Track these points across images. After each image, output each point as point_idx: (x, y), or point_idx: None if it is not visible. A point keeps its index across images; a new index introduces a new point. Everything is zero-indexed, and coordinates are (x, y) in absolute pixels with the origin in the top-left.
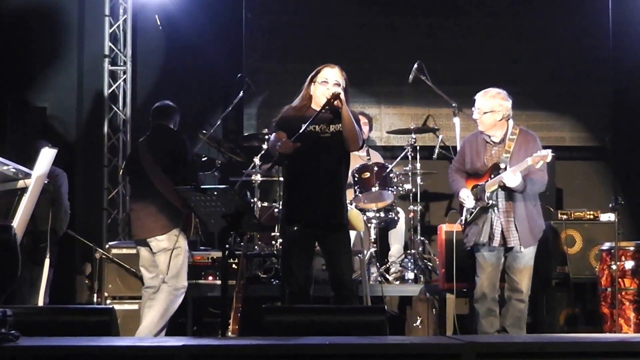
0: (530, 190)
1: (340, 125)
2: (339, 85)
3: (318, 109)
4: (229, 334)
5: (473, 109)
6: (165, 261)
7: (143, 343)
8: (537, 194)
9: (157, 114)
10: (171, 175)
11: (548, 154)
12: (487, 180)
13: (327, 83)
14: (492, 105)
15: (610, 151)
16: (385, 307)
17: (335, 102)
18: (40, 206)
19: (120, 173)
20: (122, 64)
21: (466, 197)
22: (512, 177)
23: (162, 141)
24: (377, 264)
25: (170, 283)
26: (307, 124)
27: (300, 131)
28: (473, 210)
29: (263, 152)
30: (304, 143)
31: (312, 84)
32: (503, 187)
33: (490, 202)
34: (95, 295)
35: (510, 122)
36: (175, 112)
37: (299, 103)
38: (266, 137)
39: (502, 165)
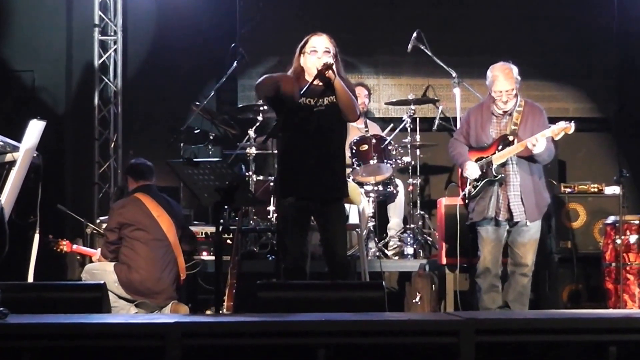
0: (547, 157)
1: (334, 97)
2: (328, 52)
3: (310, 80)
4: (224, 310)
5: (492, 89)
6: None
7: (135, 320)
8: (542, 165)
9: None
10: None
11: (571, 126)
12: (494, 153)
13: (316, 52)
14: (513, 83)
15: (615, 122)
16: (384, 283)
17: (328, 73)
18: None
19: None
20: (112, 33)
21: (473, 170)
22: (541, 141)
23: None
24: (376, 239)
25: None
26: (302, 91)
27: (306, 87)
28: (477, 184)
29: (258, 124)
30: (298, 117)
31: (302, 55)
32: (519, 156)
33: (500, 175)
34: None
35: (518, 94)
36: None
37: (291, 75)
38: (261, 108)
39: (511, 138)
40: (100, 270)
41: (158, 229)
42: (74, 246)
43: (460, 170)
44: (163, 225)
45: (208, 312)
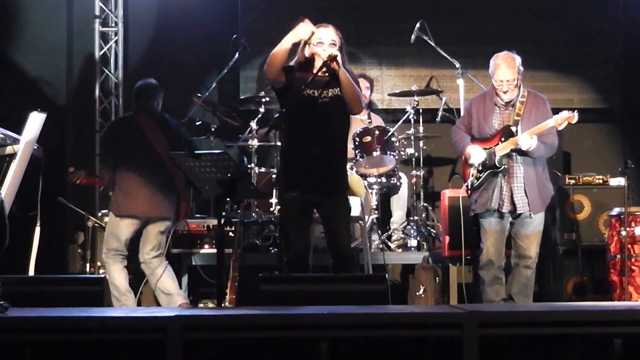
0: (544, 154)
1: (338, 89)
2: (335, 44)
3: (315, 71)
4: (226, 304)
5: (494, 79)
6: (164, 241)
7: (135, 314)
8: (547, 158)
9: (152, 96)
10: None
11: (574, 115)
12: (498, 144)
13: (322, 44)
14: (515, 73)
15: (620, 113)
16: (387, 275)
17: (333, 65)
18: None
19: (102, 138)
20: (113, 25)
21: (476, 154)
22: (528, 140)
23: (174, 128)
24: (379, 231)
25: (162, 256)
26: (313, 76)
27: (318, 69)
28: (480, 175)
29: (260, 115)
30: (302, 108)
31: (307, 45)
32: (515, 150)
33: (503, 166)
34: (87, 264)
35: (521, 84)
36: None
37: (295, 66)
38: (263, 100)
39: (514, 129)
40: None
41: (151, 151)
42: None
43: (463, 157)
44: (158, 146)
45: (210, 304)
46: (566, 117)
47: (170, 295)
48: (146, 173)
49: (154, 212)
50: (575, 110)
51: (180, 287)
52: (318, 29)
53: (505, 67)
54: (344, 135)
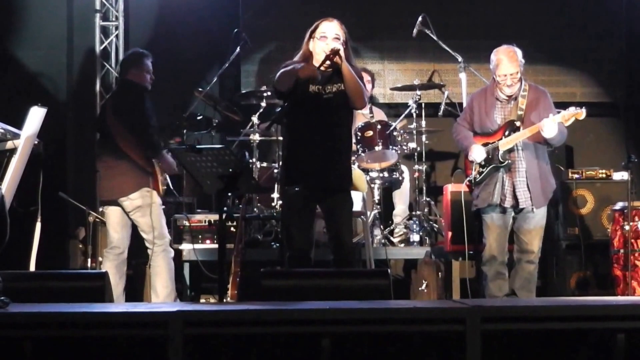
0: (560, 139)
1: (341, 84)
2: (338, 39)
3: (318, 65)
4: (228, 299)
5: (497, 73)
6: (146, 222)
7: (136, 309)
8: (548, 151)
9: (122, 68)
10: (135, 134)
11: (582, 112)
12: (501, 139)
13: (326, 38)
14: (517, 67)
15: (623, 107)
16: (389, 270)
17: (335, 59)
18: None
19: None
20: (114, 19)
21: (478, 153)
22: (552, 126)
23: (122, 96)
24: (381, 226)
25: (160, 242)
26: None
27: (320, 63)
28: (483, 170)
29: (262, 110)
30: (304, 104)
31: (311, 39)
32: (533, 139)
33: (507, 161)
34: (89, 260)
35: (522, 78)
36: (139, 59)
37: (300, 60)
38: (264, 94)
39: (518, 124)
40: None
41: (106, 131)
42: None
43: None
44: (110, 124)
45: (212, 300)
46: (574, 114)
47: (155, 295)
48: (104, 155)
49: (112, 195)
50: (584, 107)
51: (184, 282)
52: (322, 23)
53: (508, 61)
54: (348, 130)
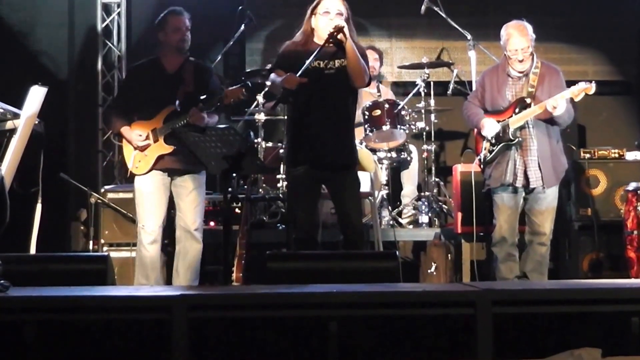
0: (567, 118)
1: (344, 59)
2: (341, 15)
3: (321, 42)
4: (233, 282)
5: (507, 48)
6: None
7: (139, 293)
8: (560, 129)
9: None
10: None
11: (592, 86)
12: (511, 116)
13: (329, 14)
14: (529, 41)
15: (636, 85)
16: (398, 252)
17: (339, 36)
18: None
19: None
20: None
21: (491, 127)
22: (558, 103)
23: None
24: (389, 207)
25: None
26: (311, 58)
27: (304, 66)
28: (493, 148)
29: (266, 89)
30: (308, 80)
31: (313, 16)
32: (539, 118)
33: (518, 139)
34: (91, 242)
35: (534, 54)
36: (161, 19)
37: (301, 37)
38: (267, 82)
39: (528, 100)
40: None
41: None
42: None
43: (476, 131)
44: None
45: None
46: (583, 89)
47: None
48: None
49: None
50: (593, 82)
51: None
52: None
53: (518, 35)
54: (353, 107)
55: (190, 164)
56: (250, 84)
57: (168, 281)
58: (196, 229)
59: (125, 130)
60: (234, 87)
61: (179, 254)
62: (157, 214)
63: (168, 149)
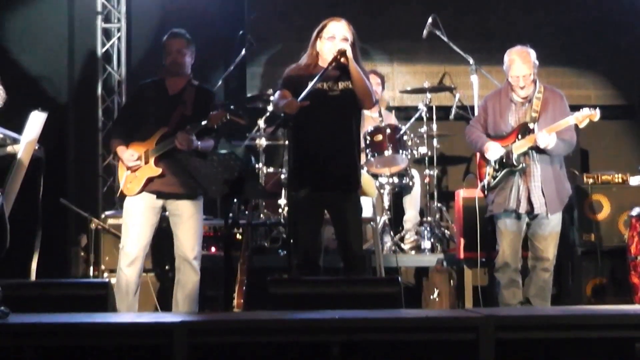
0: (562, 151)
1: (349, 82)
2: (346, 40)
3: (325, 66)
4: (234, 308)
5: (509, 75)
6: None
7: (140, 319)
8: (564, 155)
9: None
10: None
11: (596, 113)
12: (514, 142)
13: (334, 38)
14: (531, 68)
15: (639, 109)
16: (400, 278)
17: (342, 59)
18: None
19: None
20: (116, 21)
21: (495, 150)
22: (547, 138)
23: None
24: (391, 233)
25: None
26: (314, 82)
27: (307, 90)
28: (497, 174)
29: (268, 114)
30: (311, 102)
31: (319, 39)
32: (533, 148)
33: (521, 165)
34: (91, 268)
35: (537, 80)
36: (163, 44)
37: (306, 61)
38: (271, 98)
39: (531, 126)
40: None
41: None
42: None
43: (479, 155)
44: None
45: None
46: (587, 115)
47: None
48: None
49: None
50: (597, 108)
51: None
52: (330, 23)
53: (521, 62)
54: (356, 129)
55: (185, 188)
56: (232, 107)
57: (163, 306)
58: (195, 257)
59: (120, 149)
60: (216, 111)
61: (179, 283)
62: (139, 237)
63: (156, 171)
